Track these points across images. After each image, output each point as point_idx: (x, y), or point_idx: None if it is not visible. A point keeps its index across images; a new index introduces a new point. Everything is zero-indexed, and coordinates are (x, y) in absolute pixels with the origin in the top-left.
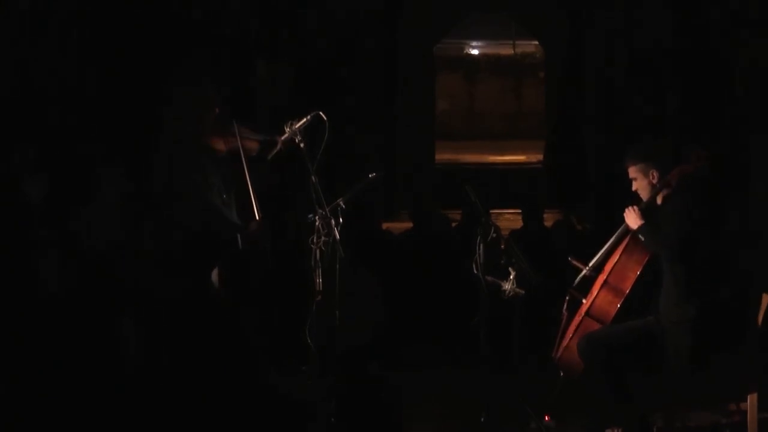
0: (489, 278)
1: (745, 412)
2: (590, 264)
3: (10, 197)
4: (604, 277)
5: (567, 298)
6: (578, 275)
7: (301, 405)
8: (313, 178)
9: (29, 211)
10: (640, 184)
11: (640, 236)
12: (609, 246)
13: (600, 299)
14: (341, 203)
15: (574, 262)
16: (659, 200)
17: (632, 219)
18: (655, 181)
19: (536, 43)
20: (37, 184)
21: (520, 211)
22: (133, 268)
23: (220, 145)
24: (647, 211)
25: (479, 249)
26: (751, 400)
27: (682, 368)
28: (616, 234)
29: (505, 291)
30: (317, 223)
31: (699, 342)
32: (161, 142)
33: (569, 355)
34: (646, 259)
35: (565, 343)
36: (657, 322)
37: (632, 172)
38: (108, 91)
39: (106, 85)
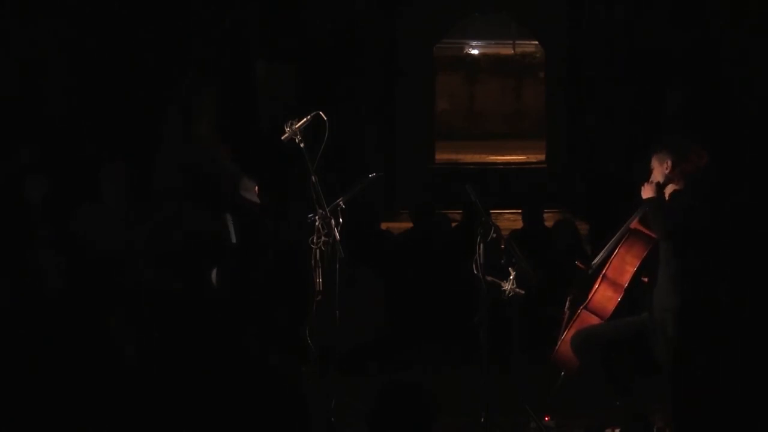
0: (489, 278)
1: None
2: (592, 263)
3: (11, 197)
4: (603, 271)
5: (569, 297)
6: (578, 273)
7: (301, 405)
8: (313, 178)
9: (29, 210)
10: (655, 173)
11: (646, 209)
12: (611, 245)
13: (599, 294)
14: (341, 203)
15: (580, 266)
16: (667, 195)
17: (646, 191)
18: (667, 171)
19: (536, 43)
20: (37, 184)
21: (520, 211)
22: (133, 268)
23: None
24: (657, 199)
25: (479, 249)
26: None
27: (671, 357)
28: (618, 233)
29: (505, 291)
30: (317, 223)
31: (685, 332)
32: (166, 141)
33: (566, 349)
34: (645, 253)
35: (563, 337)
36: (650, 316)
37: (652, 161)
38: (109, 92)
39: (107, 85)
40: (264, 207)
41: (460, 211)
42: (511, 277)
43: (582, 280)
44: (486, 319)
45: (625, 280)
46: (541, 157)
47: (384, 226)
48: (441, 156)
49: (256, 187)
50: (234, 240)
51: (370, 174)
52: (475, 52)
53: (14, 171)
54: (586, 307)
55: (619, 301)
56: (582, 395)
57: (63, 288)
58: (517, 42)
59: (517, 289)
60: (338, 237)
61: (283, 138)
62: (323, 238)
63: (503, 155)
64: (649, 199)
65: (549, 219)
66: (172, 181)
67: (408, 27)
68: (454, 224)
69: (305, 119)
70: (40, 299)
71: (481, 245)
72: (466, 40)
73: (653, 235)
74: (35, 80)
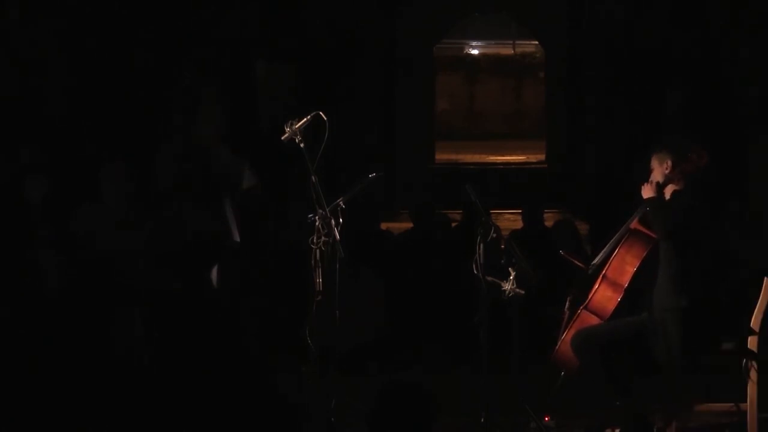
0: (489, 278)
1: (745, 412)
2: (592, 263)
3: (11, 197)
4: (603, 271)
5: (569, 297)
6: (578, 273)
7: (300, 405)
8: (313, 178)
9: (29, 210)
10: (655, 173)
11: (646, 209)
12: (611, 245)
13: (599, 294)
14: (341, 203)
15: (567, 257)
16: (667, 195)
17: (646, 191)
18: (667, 171)
19: (536, 43)
20: (37, 184)
21: (520, 211)
22: (133, 268)
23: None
24: (657, 199)
25: (479, 249)
26: (751, 400)
27: (674, 359)
28: (618, 233)
29: (505, 291)
30: (317, 223)
31: (690, 332)
32: (172, 140)
33: (566, 349)
34: (645, 253)
35: (563, 337)
36: (650, 315)
37: (652, 161)
38: (109, 91)
39: (107, 85)
40: (263, 189)
41: (460, 211)
42: (511, 277)
43: (582, 280)
44: (486, 319)
45: (625, 280)
46: (541, 157)
47: (384, 226)
48: (441, 156)
49: (248, 171)
50: (237, 239)
51: (370, 174)
52: (475, 52)
53: (14, 171)
54: (586, 307)
55: (619, 301)
56: (582, 395)
57: (63, 288)
58: (517, 42)
59: (517, 289)
60: (338, 237)
61: (283, 138)
62: (323, 238)
63: (503, 155)
64: (649, 199)
65: (549, 219)
66: (175, 180)
67: (408, 27)
68: (454, 224)
69: (305, 119)
70: (40, 299)
71: (481, 245)
72: (466, 40)
73: (653, 235)
74: (35, 80)
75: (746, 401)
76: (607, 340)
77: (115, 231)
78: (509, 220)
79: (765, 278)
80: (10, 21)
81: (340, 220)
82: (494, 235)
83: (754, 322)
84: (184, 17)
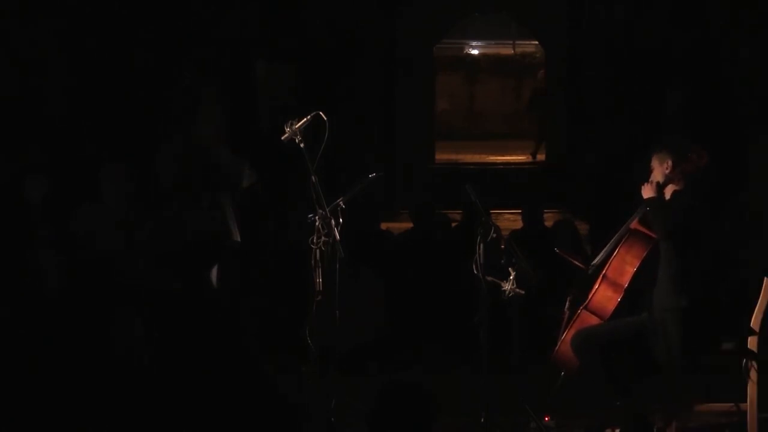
0: (489, 278)
1: (745, 412)
2: (592, 263)
3: (11, 197)
4: (603, 271)
5: (569, 297)
6: (578, 273)
7: (300, 405)
8: (313, 178)
9: (29, 210)
10: (655, 173)
11: (647, 209)
12: (611, 245)
13: (599, 294)
14: (341, 203)
15: (563, 254)
16: (667, 195)
17: (646, 191)
18: (667, 171)
19: (536, 43)
20: (37, 184)
21: (520, 211)
22: (133, 268)
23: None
24: (657, 199)
25: (479, 249)
26: (751, 400)
27: (674, 359)
28: (618, 233)
29: (505, 291)
30: (317, 223)
31: (690, 332)
32: (172, 140)
33: (566, 349)
34: (645, 253)
35: (563, 337)
36: (650, 315)
37: (652, 161)
38: (109, 91)
39: (107, 85)
40: (261, 185)
41: (460, 211)
42: (511, 277)
43: (582, 280)
44: (486, 319)
45: (625, 280)
46: (541, 157)
47: (384, 226)
48: (441, 156)
49: (248, 171)
50: (238, 239)
51: (370, 174)
52: (475, 52)
53: (14, 171)
54: (586, 307)
55: (619, 301)
56: (582, 395)
57: (63, 288)
58: (517, 42)
59: (517, 289)
60: (338, 237)
61: (283, 138)
62: (323, 238)
63: (503, 155)
64: (649, 199)
65: (549, 219)
66: (175, 180)
67: (408, 27)
68: (454, 224)
69: (305, 119)
70: (40, 299)
71: (481, 245)
72: (466, 40)
73: (653, 235)
74: (35, 80)
75: (746, 401)
76: (607, 340)
77: (115, 231)
78: (509, 220)
79: (765, 278)
80: (10, 21)
81: (340, 220)
82: (494, 235)
83: (754, 322)
84: (184, 17)
